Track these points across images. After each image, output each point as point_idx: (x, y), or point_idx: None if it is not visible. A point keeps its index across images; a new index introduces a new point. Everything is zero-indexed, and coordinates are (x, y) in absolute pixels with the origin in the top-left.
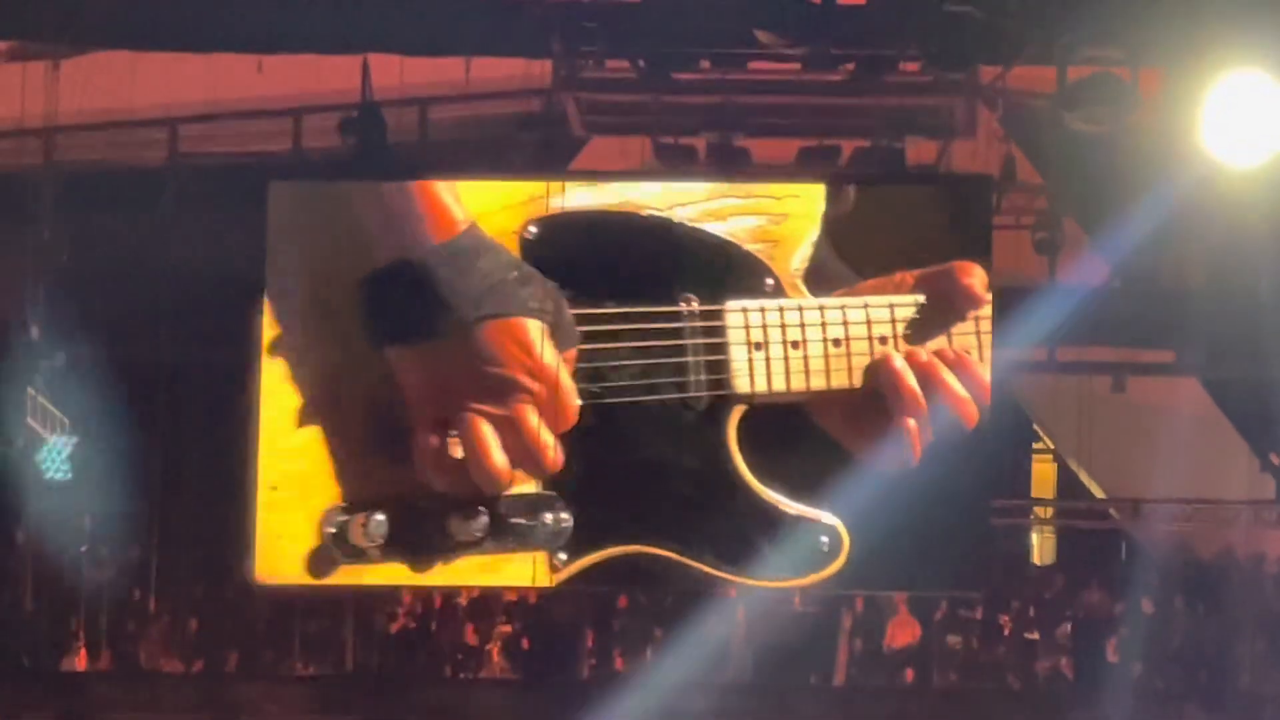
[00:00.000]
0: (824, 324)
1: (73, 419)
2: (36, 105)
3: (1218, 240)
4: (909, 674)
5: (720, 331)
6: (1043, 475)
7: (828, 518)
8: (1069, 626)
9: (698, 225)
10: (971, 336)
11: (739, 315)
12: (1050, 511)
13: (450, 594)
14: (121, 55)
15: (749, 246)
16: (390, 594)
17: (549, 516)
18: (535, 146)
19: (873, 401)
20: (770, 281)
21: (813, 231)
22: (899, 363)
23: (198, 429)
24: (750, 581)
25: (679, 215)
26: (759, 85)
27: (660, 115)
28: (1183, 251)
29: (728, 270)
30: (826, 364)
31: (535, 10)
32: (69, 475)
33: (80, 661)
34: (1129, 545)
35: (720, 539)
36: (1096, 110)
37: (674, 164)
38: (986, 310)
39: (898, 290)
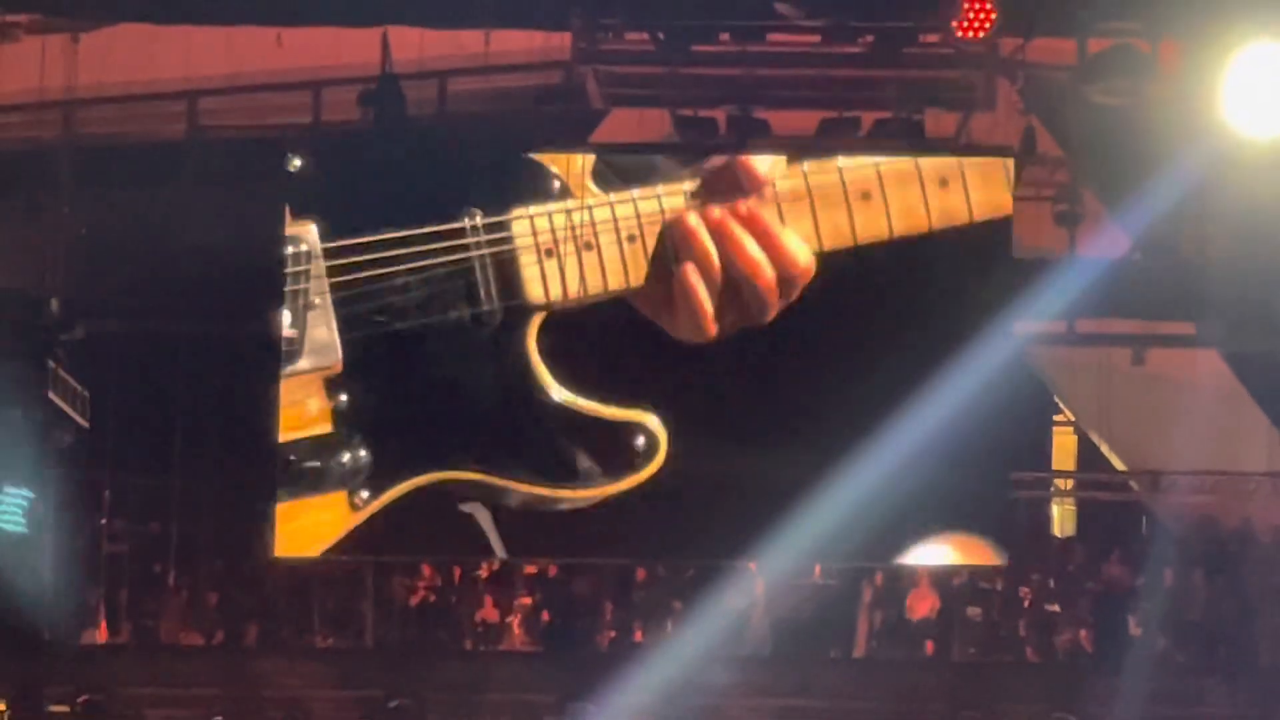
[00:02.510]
0: (616, 220)
1: (92, 392)
2: (56, 78)
3: (1237, 212)
4: (929, 646)
5: (508, 242)
6: (1063, 447)
7: (643, 415)
8: (1089, 599)
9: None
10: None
11: (525, 223)
12: (1070, 484)
13: (470, 567)
14: (141, 28)
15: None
16: (410, 567)
17: (345, 456)
18: (555, 119)
19: (674, 269)
20: (556, 184)
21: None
22: (693, 220)
23: (217, 402)
24: (566, 493)
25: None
26: (778, 57)
27: (680, 87)
28: (1202, 224)
29: (511, 178)
30: (623, 262)
31: None
32: (24, 529)
33: (100, 635)
34: (1149, 517)
35: (530, 454)
36: (1116, 82)
37: (693, 136)
38: (790, 184)
39: (708, 174)
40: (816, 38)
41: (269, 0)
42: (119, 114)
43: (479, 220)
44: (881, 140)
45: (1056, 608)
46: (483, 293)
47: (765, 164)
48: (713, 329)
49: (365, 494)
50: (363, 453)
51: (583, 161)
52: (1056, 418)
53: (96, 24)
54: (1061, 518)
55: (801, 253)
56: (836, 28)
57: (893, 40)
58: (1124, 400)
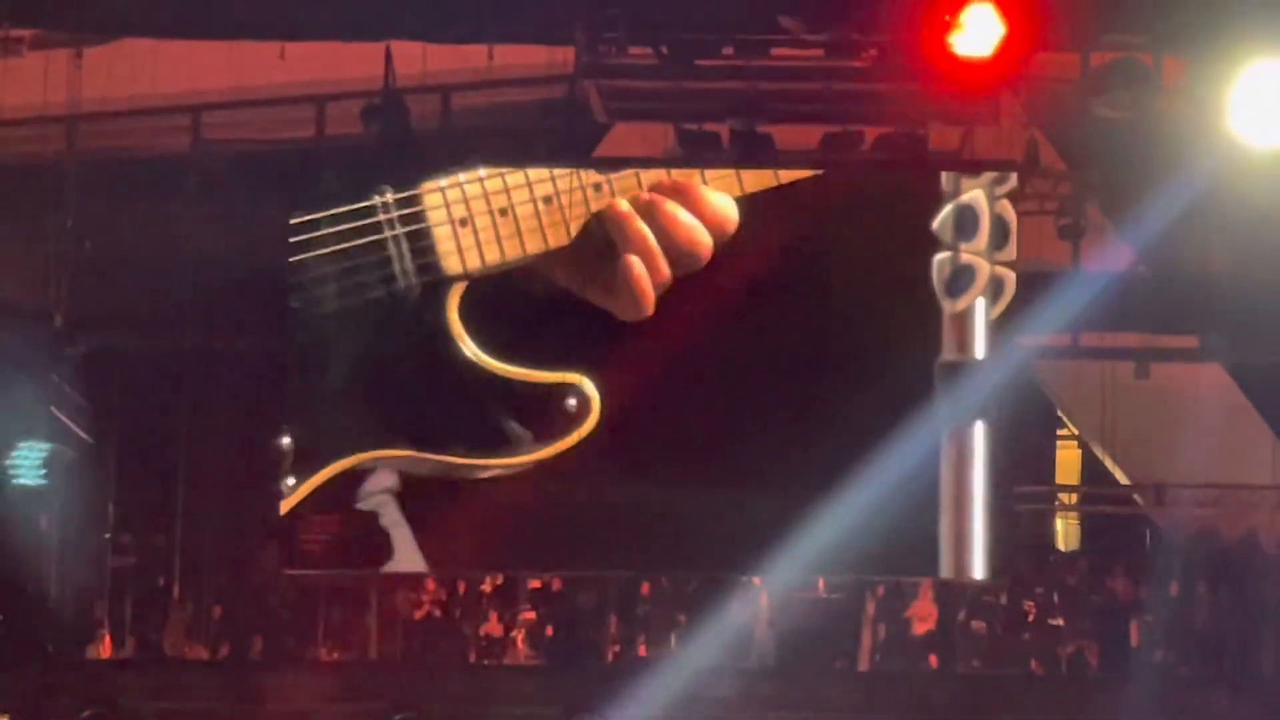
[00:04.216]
0: (530, 184)
1: (95, 406)
2: (60, 93)
3: (1242, 225)
4: (933, 659)
5: (420, 216)
6: (1067, 461)
7: (572, 377)
8: (1093, 612)
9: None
10: None
11: (437, 195)
12: (1074, 497)
13: (474, 581)
14: (144, 43)
15: None
16: (414, 581)
17: None
18: (558, 133)
19: (605, 248)
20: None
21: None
22: (624, 207)
23: (222, 416)
24: (499, 461)
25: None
26: (782, 71)
27: (683, 102)
28: (1206, 237)
29: (422, 151)
30: (540, 224)
31: None
32: (46, 481)
33: (104, 649)
34: (1153, 531)
35: (459, 425)
36: (1120, 95)
37: (697, 151)
38: None
39: None
40: (820, 52)
41: (272, 14)
42: (123, 128)
43: (390, 197)
44: (885, 154)
45: (1060, 621)
46: (398, 269)
47: None
48: (651, 309)
49: (290, 481)
50: (284, 440)
51: None
52: (1060, 431)
53: (100, 39)
54: (1065, 531)
55: (731, 210)
56: (840, 42)
57: (896, 55)
58: (1128, 413)
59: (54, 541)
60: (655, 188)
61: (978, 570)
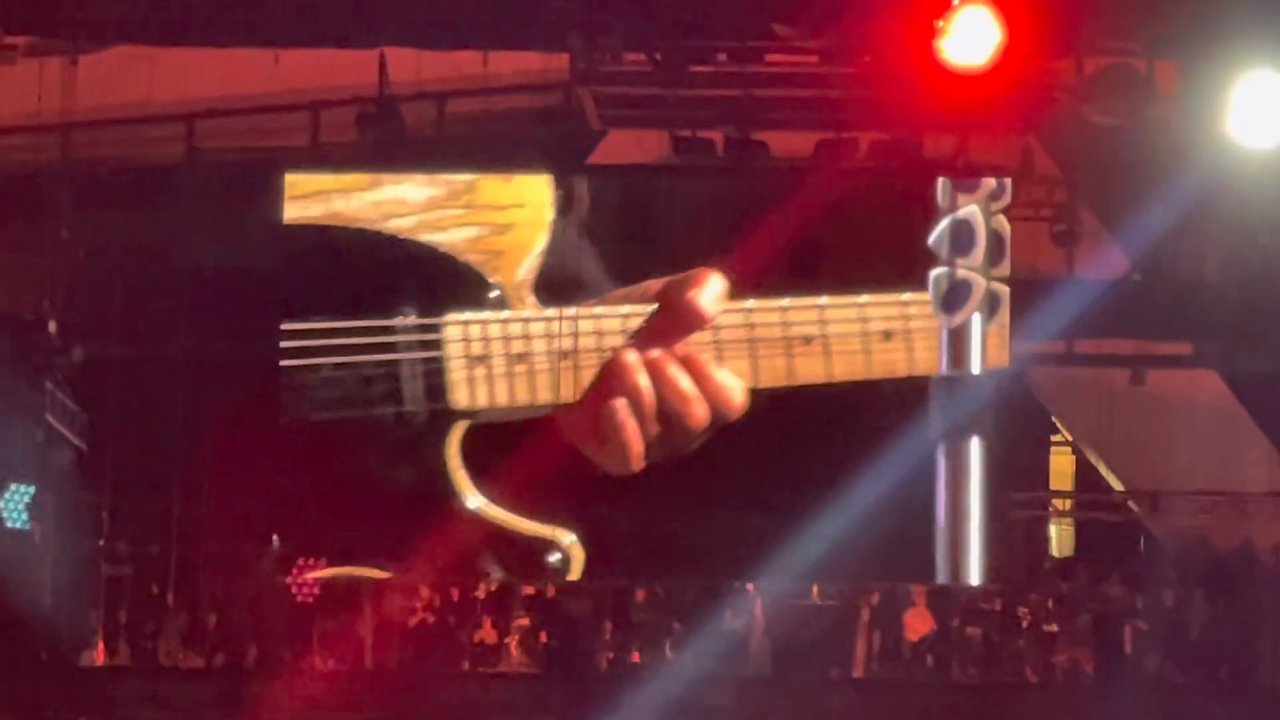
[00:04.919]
0: (550, 336)
1: (90, 414)
2: (54, 101)
3: (1236, 232)
4: (928, 666)
5: (437, 345)
6: (1061, 467)
7: (560, 533)
8: (1088, 619)
9: (416, 238)
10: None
11: (458, 329)
12: (1069, 504)
13: (468, 588)
14: (139, 50)
15: (471, 257)
16: (408, 588)
17: None
18: (552, 140)
19: (606, 401)
20: (494, 294)
21: (541, 241)
22: (630, 357)
23: (216, 424)
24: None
25: (394, 226)
26: (777, 78)
27: (678, 108)
28: (1201, 243)
29: (448, 283)
30: (554, 376)
31: (553, 4)
32: (28, 525)
33: (99, 657)
34: (1148, 537)
35: (441, 557)
36: (1114, 102)
37: (692, 157)
38: (732, 321)
39: (642, 299)
40: (815, 58)
41: (266, 22)
42: (117, 136)
43: (411, 320)
44: (879, 160)
45: (1055, 628)
46: (408, 392)
47: (712, 304)
48: (638, 465)
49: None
50: (274, 539)
51: (523, 273)
52: (1055, 438)
53: (94, 47)
54: (1060, 538)
55: (736, 392)
56: (835, 49)
57: (890, 62)
58: (1122, 420)
59: (48, 549)
60: (667, 351)
61: (972, 577)
